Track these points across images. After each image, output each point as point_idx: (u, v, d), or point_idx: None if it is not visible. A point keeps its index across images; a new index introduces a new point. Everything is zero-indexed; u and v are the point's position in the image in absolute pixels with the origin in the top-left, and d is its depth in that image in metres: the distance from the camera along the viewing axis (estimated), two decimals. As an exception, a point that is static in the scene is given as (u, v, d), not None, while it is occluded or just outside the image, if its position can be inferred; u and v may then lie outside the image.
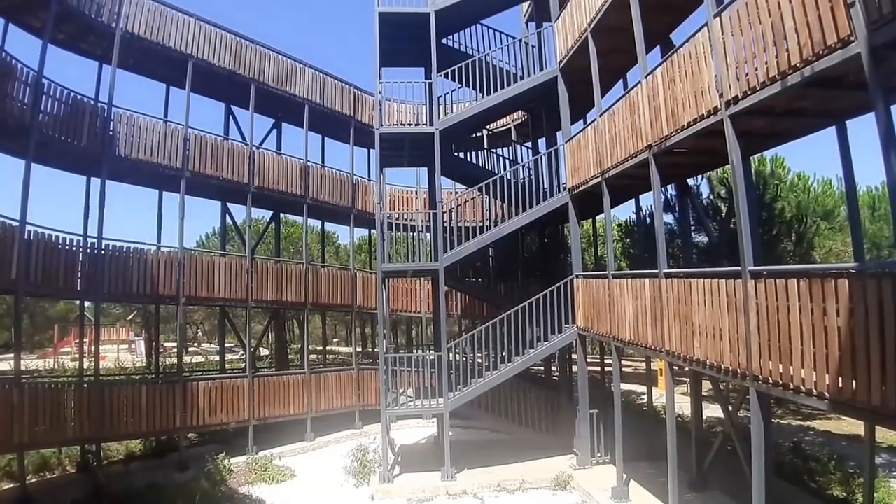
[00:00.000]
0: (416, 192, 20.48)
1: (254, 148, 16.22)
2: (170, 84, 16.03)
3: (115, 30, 13.39)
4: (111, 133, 13.24)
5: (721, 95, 6.67)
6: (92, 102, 13.14)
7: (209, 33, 15.33)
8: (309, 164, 17.62)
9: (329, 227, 23.21)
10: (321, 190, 17.95)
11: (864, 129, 4.66)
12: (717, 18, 6.76)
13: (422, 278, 18.72)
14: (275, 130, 18.66)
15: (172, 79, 15.70)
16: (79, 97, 12.66)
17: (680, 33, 10.95)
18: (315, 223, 21.75)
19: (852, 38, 4.67)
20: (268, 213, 20.22)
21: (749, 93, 6.16)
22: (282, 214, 20.09)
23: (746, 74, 6.19)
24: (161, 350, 24.05)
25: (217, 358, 22.72)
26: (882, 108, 4.43)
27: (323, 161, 19.29)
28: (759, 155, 14.83)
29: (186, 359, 21.70)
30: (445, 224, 13.03)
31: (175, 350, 17.62)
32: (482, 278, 17.54)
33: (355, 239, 21.94)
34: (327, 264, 21.99)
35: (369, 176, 20.35)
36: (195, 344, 38.72)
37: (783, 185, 15.75)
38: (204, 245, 32.28)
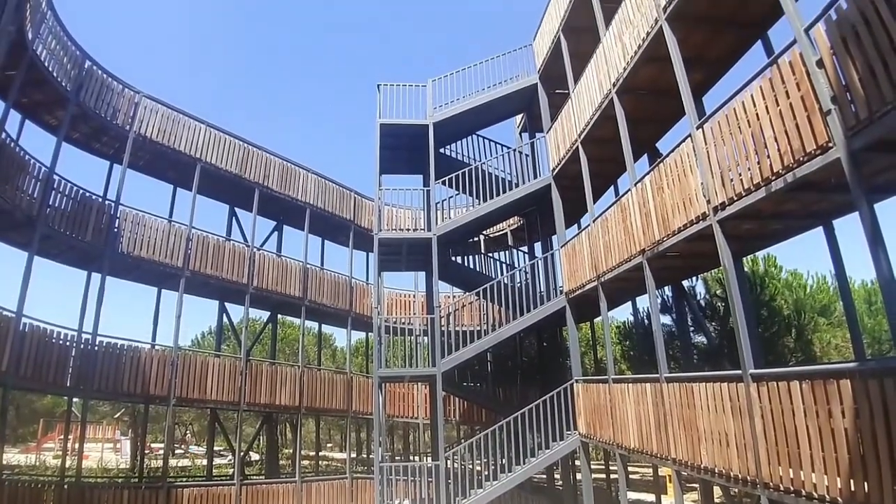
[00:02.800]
0: (414, 296, 20.51)
1: (254, 249, 16.49)
2: (177, 185, 16.54)
3: (129, 133, 14.05)
4: (116, 230, 13.54)
5: (708, 202, 6.86)
6: (99, 200, 13.51)
7: (218, 139, 16.07)
8: (308, 266, 17.83)
9: (326, 329, 23.10)
10: (319, 292, 18.04)
11: (855, 225, 4.79)
12: (700, 130, 7.10)
13: (419, 383, 18.37)
14: (276, 232, 19.04)
15: (180, 180, 16.22)
16: (87, 194, 13.01)
17: (666, 141, 11.54)
18: (312, 325, 21.66)
19: (831, 144, 4.89)
20: (265, 314, 20.19)
21: (735, 199, 6.35)
22: (279, 315, 20.04)
23: (731, 181, 6.41)
24: (147, 452, 23.10)
25: (205, 462, 21.84)
26: (865, 208, 4.57)
27: (322, 263, 19.55)
28: (752, 255, 15.02)
29: (173, 462, 20.85)
30: (443, 328, 12.97)
31: (161, 452, 16.94)
32: (480, 383, 17.21)
33: (352, 342, 21.75)
34: (323, 367, 21.66)
35: (367, 279, 20.53)
36: (183, 446, 37.20)
37: (778, 284, 15.87)
38: (199, 344, 31.89)
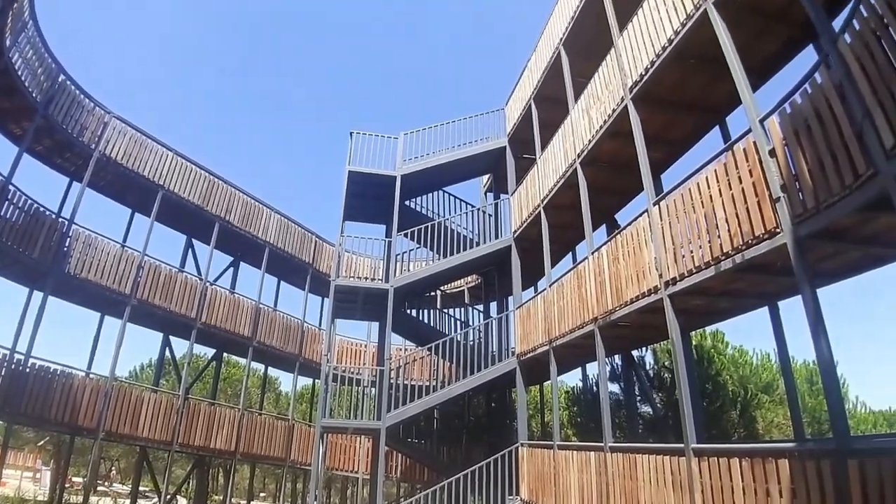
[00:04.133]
0: (366, 346, 20.22)
1: (207, 284, 16.10)
2: (136, 210, 16.14)
3: (93, 151, 13.75)
4: (65, 249, 13.03)
5: (661, 276, 7.07)
6: (53, 216, 13.01)
7: (183, 167, 15.89)
8: (261, 306, 17.46)
9: (272, 372, 22.44)
10: (269, 334, 17.64)
11: (800, 306, 5.00)
12: (657, 206, 7.38)
13: (363, 436, 17.89)
14: (232, 268, 18.69)
15: (139, 205, 15.85)
16: (41, 209, 12.53)
17: (625, 213, 11.92)
18: (258, 367, 21.07)
19: (778, 230, 5.14)
20: (210, 351, 19.56)
21: (686, 275, 6.56)
22: (225, 354, 19.44)
23: (683, 258, 6.64)
24: (68, 485, 21.63)
25: (128, 502, 20.57)
26: (809, 292, 4.77)
27: (275, 304, 19.23)
28: (700, 329, 15.33)
29: (94, 499, 19.55)
30: (392, 381, 12.76)
31: (83, 487, 15.92)
32: (425, 440, 16.85)
33: (298, 388, 21.18)
34: (265, 412, 20.93)
35: (320, 324, 20.20)
36: (106, 482, 34.94)
37: (724, 359, 16.15)
38: (137, 377, 30.45)
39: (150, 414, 14.06)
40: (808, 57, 7.49)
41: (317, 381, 20.14)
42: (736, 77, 5.98)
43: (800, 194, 4.91)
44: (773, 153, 5.32)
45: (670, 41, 7.37)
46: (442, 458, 15.35)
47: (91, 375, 13.69)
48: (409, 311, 15.67)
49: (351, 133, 14.37)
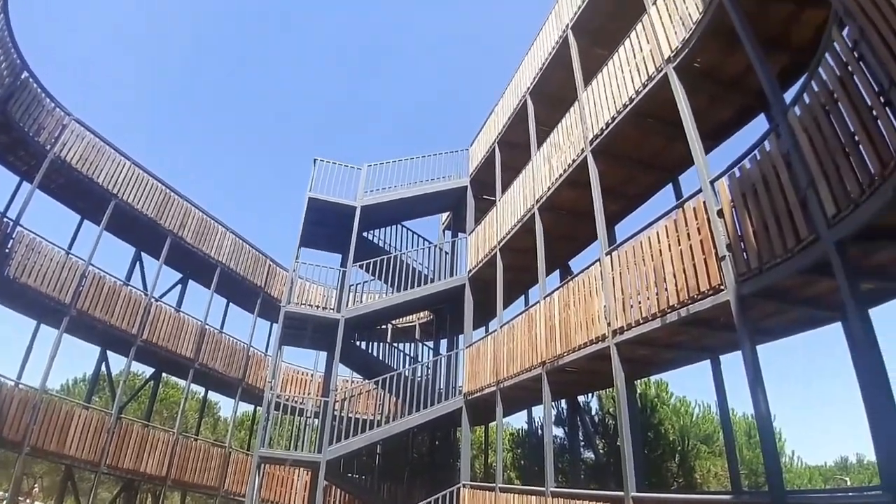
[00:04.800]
0: (312, 375, 19.85)
1: (152, 300, 15.58)
2: (85, 216, 15.45)
3: (48, 153, 13.19)
4: (6, 251, 12.35)
5: (609, 324, 7.24)
6: (-3, 216, 12.34)
7: (140, 178, 15.41)
8: (206, 327, 16.99)
9: (212, 395, 21.67)
10: (213, 356, 17.11)
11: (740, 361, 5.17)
12: (609, 256, 7.60)
13: (302, 468, 17.41)
14: (180, 286, 18.13)
15: (90, 212, 15.19)
16: None
17: (579, 261, 12.19)
18: (198, 389, 20.37)
19: (722, 287, 5.36)
20: (149, 370, 18.82)
21: (633, 325, 6.74)
22: (164, 374, 18.73)
23: (632, 308, 6.83)
24: (-14, 500, 20.24)
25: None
26: (749, 348, 4.97)
27: (222, 326, 18.71)
28: (645, 378, 15.60)
29: (13, 516, 18.37)
30: (336, 413, 12.53)
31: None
32: (366, 476, 16.51)
33: (238, 414, 20.54)
34: (201, 437, 20.14)
35: (266, 350, 19.76)
36: (28, 500, 32.82)
37: (667, 409, 16.44)
38: (69, 391, 28.94)
39: (79, 431, 13.32)
40: (759, 124, 7.92)
41: (258, 407, 19.58)
42: (690, 139, 6.27)
43: (744, 254, 5.15)
44: (720, 213, 5.58)
45: (631, 100, 7.70)
46: (382, 496, 15.04)
47: (21, 386, 12.96)
48: (358, 343, 15.51)
49: (315, 160, 14.41)
